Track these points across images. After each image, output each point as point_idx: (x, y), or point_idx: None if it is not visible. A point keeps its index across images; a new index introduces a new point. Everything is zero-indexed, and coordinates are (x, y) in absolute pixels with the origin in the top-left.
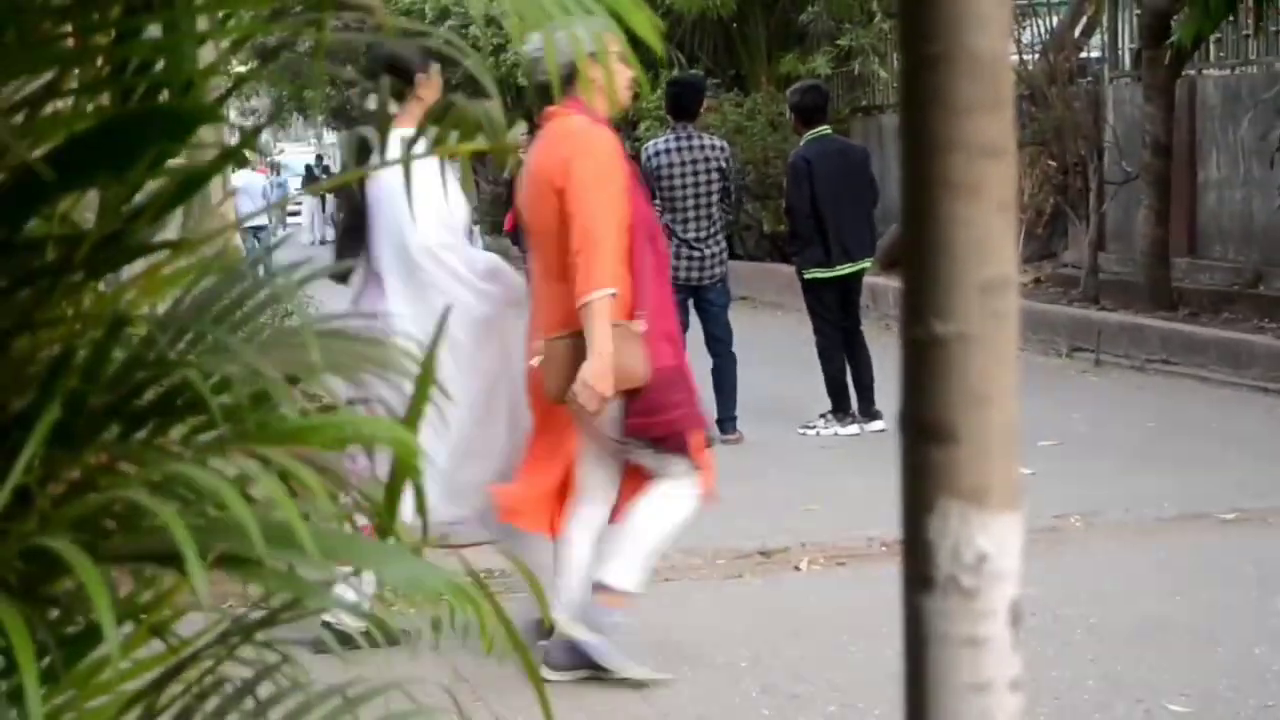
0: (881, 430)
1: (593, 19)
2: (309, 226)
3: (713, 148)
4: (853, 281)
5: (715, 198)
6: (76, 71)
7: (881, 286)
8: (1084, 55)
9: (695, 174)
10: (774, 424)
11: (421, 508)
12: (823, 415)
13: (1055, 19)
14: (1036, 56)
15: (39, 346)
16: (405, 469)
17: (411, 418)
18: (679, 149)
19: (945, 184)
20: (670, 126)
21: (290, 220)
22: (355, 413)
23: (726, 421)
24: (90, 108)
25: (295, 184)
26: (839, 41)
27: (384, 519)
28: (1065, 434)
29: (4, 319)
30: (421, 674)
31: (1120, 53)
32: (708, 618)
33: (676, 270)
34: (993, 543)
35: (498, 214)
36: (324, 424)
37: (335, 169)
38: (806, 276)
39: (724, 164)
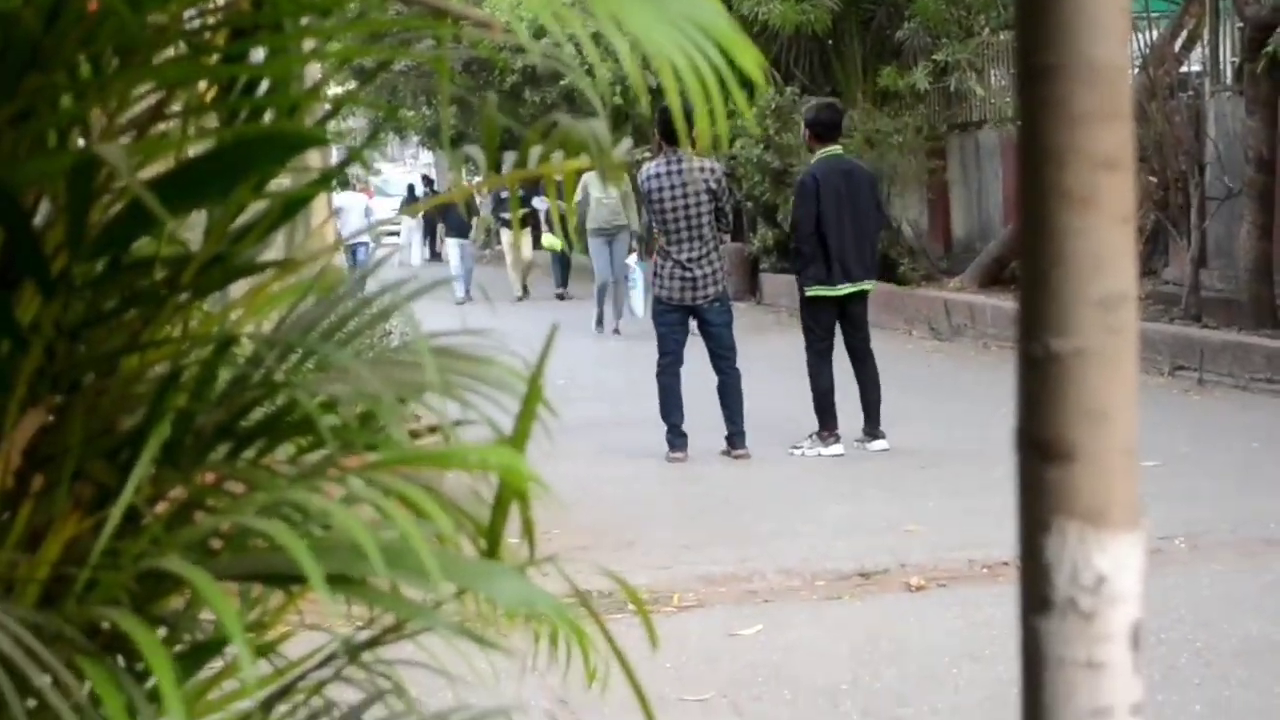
0: (884, 449)
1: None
2: (408, 248)
3: (703, 169)
4: (854, 302)
5: (706, 219)
6: (184, 94)
7: (980, 304)
8: (1184, 69)
9: (685, 196)
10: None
11: (529, 530)
12: (810, 435)
13: (1155, 32)
14: (1136, 70)
15: (147, 366)
16: (512, 492)
17: (518, 438)
18: (669, 173)
19: (1061, 195)
20: (662, 151)
21: (388, 240)
22: (461, 435)
23: (735, 436)
24: (195, 129)
25: (388, 205)
26: (936, 57)
27: (491, 540)
28: (1168, 454)
29: (113, 339)
30: (526, 697)
31: (1221, 66)
32: (807, 639)
33: (671, 291)
34: (1112, 563)
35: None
36: (432, 451)
37: (439, 188)
38: (808, 293)
39: (714, 185)
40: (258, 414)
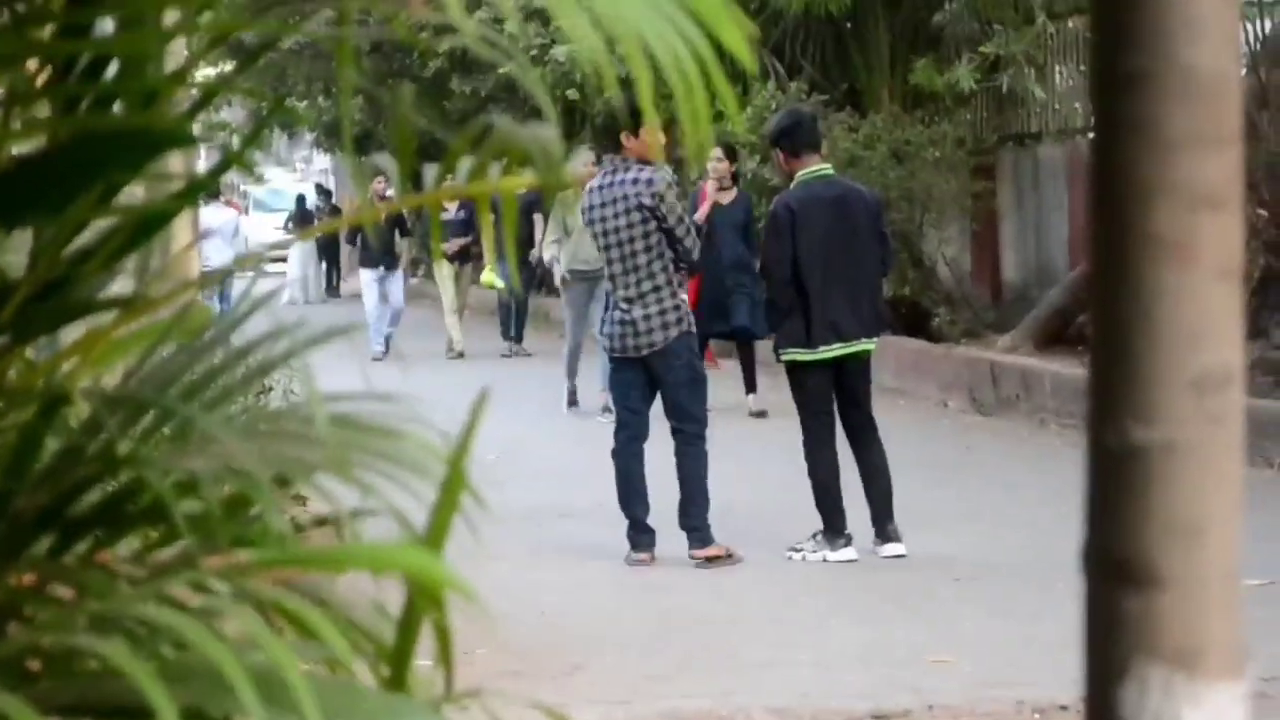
0: (899, 555)
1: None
2: (299, 281)
3: (634, 182)
4: (849, 366)
5: (641, 245)
6: (6, 77)
7: (1036, 369)
8: None
9: (616, 217)
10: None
11: (446, 652)
12: (813, 535)
13: (1268, 23)
14: (1243, 72)
15: None
16: (424, 603)
17: (435, 534)
18: (602, 187)
19: (1149, 242)
20: (602, 160)
21: (273, 269)
22: (360, 525)
23: (693, 533)
24: (20, 123)
25: (270, 224)
26: (984, 48)
27: (397, 666)
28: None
29: None
30: None
31: None
32: None
33: (612, 339)
34: None
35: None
36: (322, 549)
37: (339, 201)
38: (784, 358)
39: (648, 201)
40: (93, 496)
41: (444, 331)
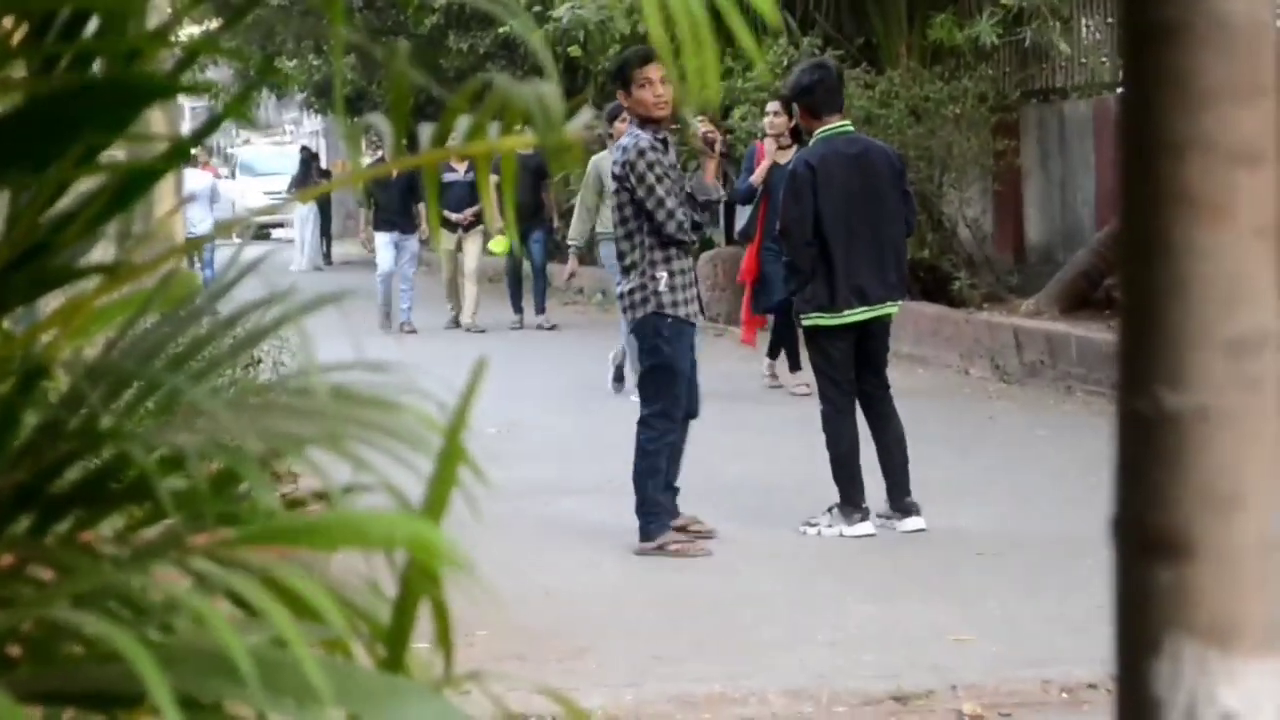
0: (919, 530)
1: None
2: (300, 246)
3: (616, 149)
4: (873, 329)
5: (618, 218)
6: None
7: (1062, 334)
8: None
9: (614, 185)
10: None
11: (445, 633)
12: (829, 509)
13: None
14: (1278, 22)
15: None
16: (423, 580)
17: (432, 510)
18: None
19: (1182, 200)
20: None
21: (276, 234)
22: (354, 502)
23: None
24: None
25: (256, 188)
26: (1006, 2)
27: (394, 646)
28: None
29: None
30: None
31: None
32: None
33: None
34: (1244, 699)
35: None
36: (315, 521)
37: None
38: (805, 323)
39: (618, 171)
40: (74, 473)
41: (443, 301)
